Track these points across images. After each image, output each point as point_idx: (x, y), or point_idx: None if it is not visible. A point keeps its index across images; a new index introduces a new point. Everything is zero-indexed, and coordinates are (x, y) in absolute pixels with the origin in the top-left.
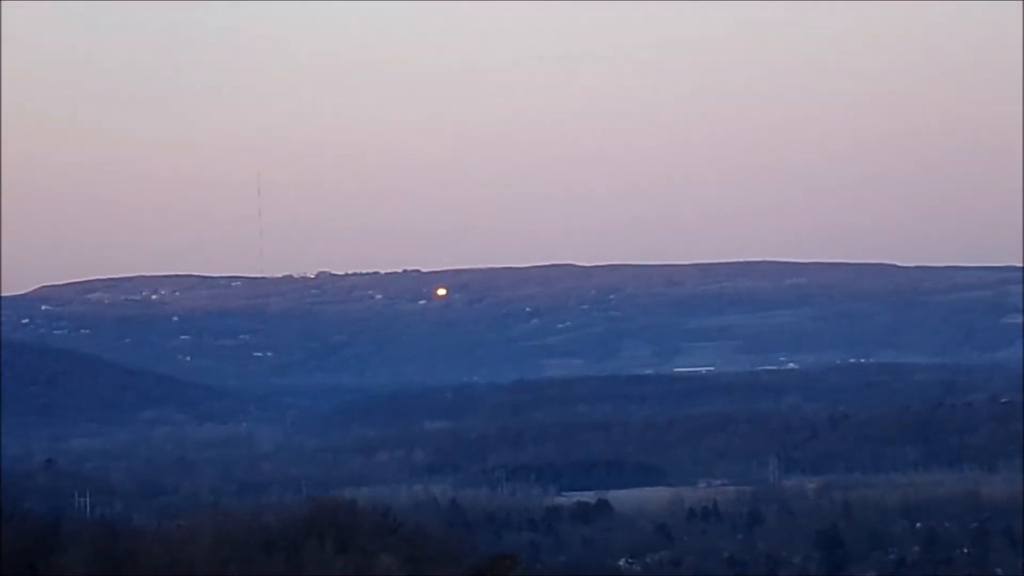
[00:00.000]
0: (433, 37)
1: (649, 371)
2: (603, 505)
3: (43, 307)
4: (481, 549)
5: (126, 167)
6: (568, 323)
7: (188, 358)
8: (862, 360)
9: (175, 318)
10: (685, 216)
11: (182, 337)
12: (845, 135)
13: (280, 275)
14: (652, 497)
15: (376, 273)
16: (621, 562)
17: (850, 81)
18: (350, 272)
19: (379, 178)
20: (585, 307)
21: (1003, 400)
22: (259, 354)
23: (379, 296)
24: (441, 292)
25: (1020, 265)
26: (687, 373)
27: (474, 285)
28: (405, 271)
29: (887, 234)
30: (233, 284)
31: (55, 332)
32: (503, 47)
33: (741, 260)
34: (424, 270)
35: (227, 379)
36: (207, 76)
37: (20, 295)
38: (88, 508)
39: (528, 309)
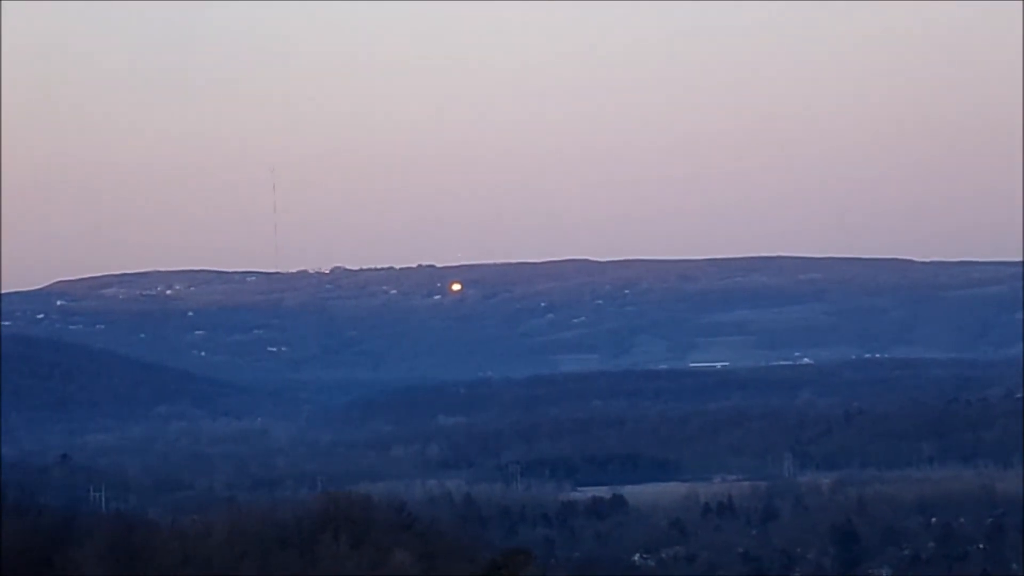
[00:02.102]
0: (447, 34)
1: (664, 366)
2: (618, 500)
3: (58, 302)
4: (495, 544)
5: (141, 163)
6: (582, 318)
7: (203, 353)
8: (877, 356)
9: (190, 313)
10: (699, 211)
11: (197, 332)
12: (860, 131)
13: (295, 270)
14: (667, 492)
15: (391, 268)
16: (636, 557)
17: (864, 77)
18: (365, 267)
19: (393, 174)
20: (599, 302)
21: (1018, 395)
22: (274, 349)
23: (394, 291)
24: (455, 287)
25: None
26: (702, 368)
27: (488, 280)
28: (420, 266)
29: (901, 229)
30: (248, 279)
31: (70, 327)
32: (517, 44)
33: (756, 255)
34: (438, 265)
35: (242, 374)
36: (222, 73)
37: (35, 290)
38: (103, 503)
39: (543, 304)
